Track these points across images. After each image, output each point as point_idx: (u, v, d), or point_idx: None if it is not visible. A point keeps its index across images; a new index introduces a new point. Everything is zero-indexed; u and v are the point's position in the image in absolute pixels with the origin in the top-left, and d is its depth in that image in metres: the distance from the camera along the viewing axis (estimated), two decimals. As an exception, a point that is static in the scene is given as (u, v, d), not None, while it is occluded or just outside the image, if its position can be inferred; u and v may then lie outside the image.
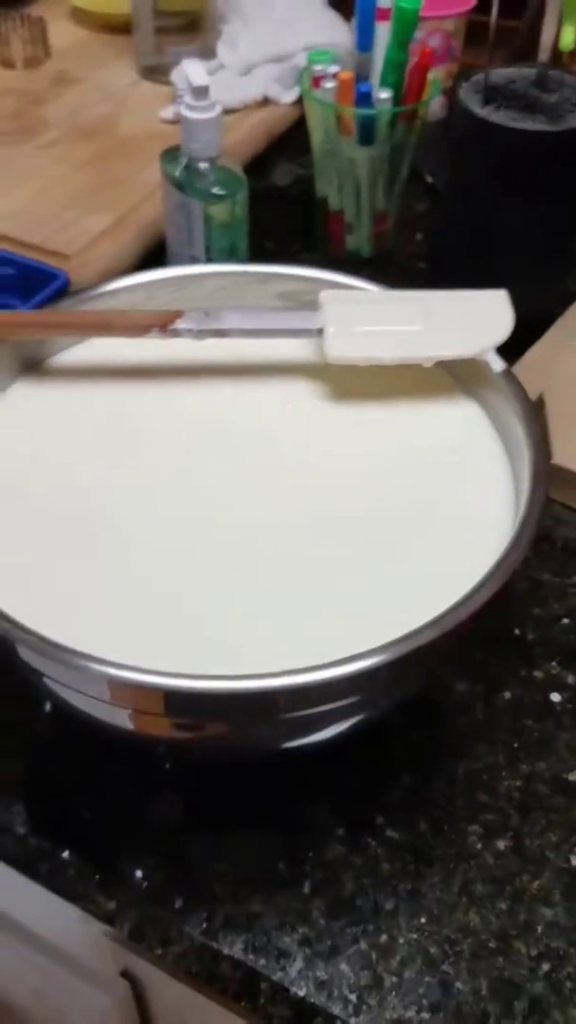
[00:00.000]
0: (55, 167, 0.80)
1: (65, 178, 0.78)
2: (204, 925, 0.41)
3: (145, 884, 0.42)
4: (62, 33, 0.97)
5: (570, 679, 0.49)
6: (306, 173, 0.79)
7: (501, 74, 0.60)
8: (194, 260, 0.65)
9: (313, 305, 0.47)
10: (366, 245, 0.73)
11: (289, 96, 0.86)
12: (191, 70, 0.60)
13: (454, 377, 0.47)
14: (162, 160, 0.64)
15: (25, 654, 0.36)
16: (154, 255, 0.73)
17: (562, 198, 0.58)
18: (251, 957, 0.40)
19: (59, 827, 0.44)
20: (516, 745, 0.47)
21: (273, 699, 0.34)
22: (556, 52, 0.57)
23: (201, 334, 0.46)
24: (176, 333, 0.46)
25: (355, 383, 0.47)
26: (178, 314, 0.46)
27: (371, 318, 0.46)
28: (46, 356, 0.48)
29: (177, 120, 0.83)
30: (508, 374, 0.45)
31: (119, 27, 0.95)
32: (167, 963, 0.42)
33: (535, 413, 0.43)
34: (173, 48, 0.88)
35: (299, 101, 0.86)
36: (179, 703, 0.35)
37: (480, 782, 0.46)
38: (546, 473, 0.41)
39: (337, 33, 0.89)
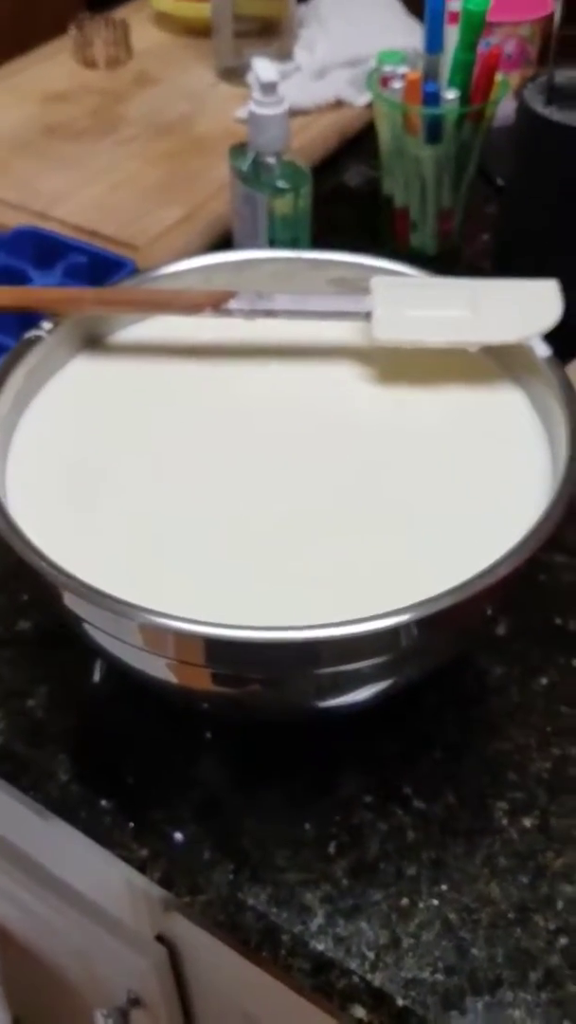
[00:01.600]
0: (131, 162, 0.83)
1: (140, 173, 0.81)
2: (231, 877, 0.43)
3: (176, 835, 0.44)
4: (145, 36, 1.00)
5: (607, 667, 0.50)
6: (376, 174, 0.81)
7: (566, 75, 0.61)
8: (258, 252, 0.67)
9: (364, 291, 0.49)
10: (430, 243, 0.74)
11: (362, 98, 0.88)
12: (260, 66, 0.62)
13: (500, 364, 0.48)
14: (231, 154, 0.66)
15: (70, 601, 0.38)
16: (220, 248, 0.75)
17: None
18: (274, 910, 0.42)
19: (100, 778, 0.46)
20: (549, 729, 0.48)
21: (311, 650, 0.36)
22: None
23: (252, 314, 0.48)
24: (228, 312, 0.48)
25: (400, 367, 0.49)
26: (231, 294, 0.48)
27: (419, 302, 0.48)
28: (106, 334, 0.51)
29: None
30: (553, 361, 0.45)
31: (201, 30, 0.98)
32: (195, 912, 0.43)
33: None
34: (251, 51, 0.91)
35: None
36: (221, 652, 0.37)
37: (511, 762, 0.46)
38: (582, 455, 0.41)
39: (413, 38, 0.91)
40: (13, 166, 0.82)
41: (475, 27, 0.63)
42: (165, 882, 0.44)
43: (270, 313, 0.47)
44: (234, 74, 0.92)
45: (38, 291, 0.47)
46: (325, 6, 0.94)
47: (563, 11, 0.68)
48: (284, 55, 0.91)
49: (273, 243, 0.66)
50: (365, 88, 0.88)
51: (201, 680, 0.40)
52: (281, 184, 0.64)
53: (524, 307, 0.47)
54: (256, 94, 0.63)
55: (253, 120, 0.63)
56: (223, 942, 0.44)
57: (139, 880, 0.54)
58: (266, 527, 0.42)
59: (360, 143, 0.88)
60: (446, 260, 0.74)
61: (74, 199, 0.77)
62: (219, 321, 0.48)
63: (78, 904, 0.66)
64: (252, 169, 0.65)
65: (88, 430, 0.47)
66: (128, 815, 0.45)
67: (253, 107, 0.63)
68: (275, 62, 0.90)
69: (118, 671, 0.44)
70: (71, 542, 0.40)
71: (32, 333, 0.47)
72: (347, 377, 0.49)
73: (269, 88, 0.62)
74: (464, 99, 0.67)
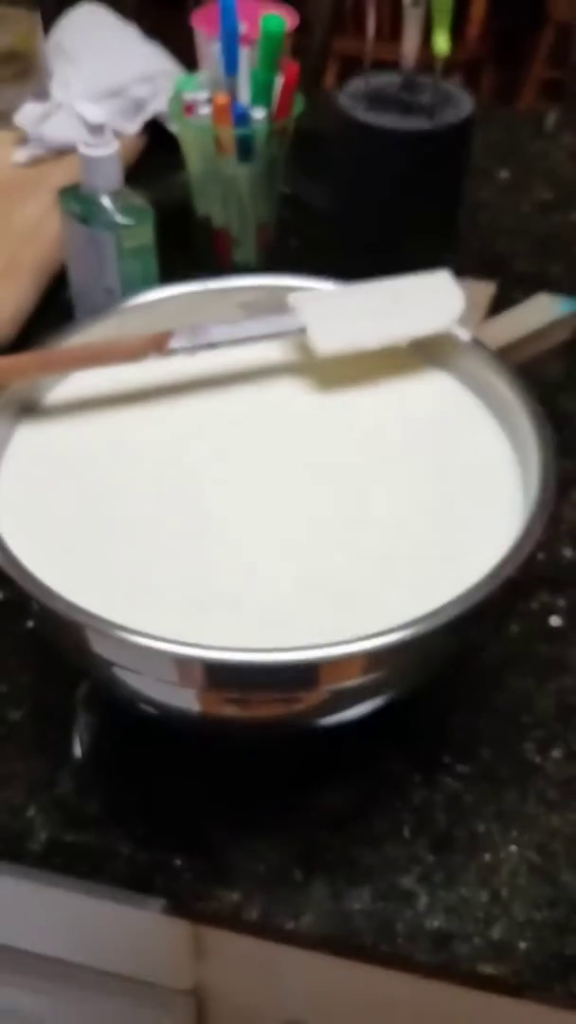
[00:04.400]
0: None
1: None
2: (330, 889, 0.44)
3: (260, 867, 0.45)
4: None
5: (561, 602, 0.55)
6: (166, 198, 0.82)
7: (371, 81, 0.66)
8: (108, 292, 0.67)
9: (281, 310, 0.51)
10: (253, 257, 0.77)
11: (132, 127, 0.89)
12: (86, 110, 0.62)
13: (419, 353, 0.52)
14: (61, 199, 0.65)
15: (99, 644, 0.38)
16: (52, 293, 0.74)
17: (450, 183, 0.65)
18: (380, 905, 0.44)
19: (162, 838, 0.45)
20: (538, 668, 0.52)
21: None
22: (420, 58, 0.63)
23: (194, 350, 0.48)
24: (172, 352, 0.48)
25: (331, 374, 0.51)
26: (169, 334, 0.48)
27: (344, 311, 0.50)
28: (39, 397, 0.49)
29: (32, 162, 0.85)
30: (476, 341, 0.50)
31: None
32: (300, 935, 0.44)
33: (518, 375, 0.48)
34: (5, 93, 0.89)
35: (144, 131, 0.89)
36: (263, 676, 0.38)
37: (521, 706, 0.51)
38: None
39: (162, 61, 0.93)
40: None
41: (275, 47, 0.67)
42: (265, 915, 0.44)
43: (211, 346, 0.48)
44: (-9, 118, 0.90)
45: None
46: (67, 41, 0.94)
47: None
48: (41, 95, 0.90)
49: (125, 280, 0.66)
50: (132, 116, 0.89)
51: (232, 708, 0.41)
52: (126, 221, 0.64)
53: (433, 299, 0.51)
54: (85, 137, 0.62)
55: (86, 162, 0.63)
56: (331, 954, 0.45)
57: (177, 932, 0.54)
58: (253, 550, 0.44)
59: (139, 170, 0.89)
60: (273, 270, 0.77)
61: None
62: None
63: (71, 981, 0.63)
64: (89, 210, 0.65)
65: (60, 493, 0.45)
66: (206, 865, 0.45)
67: (83, 149, 0.62)
68: (35, 102, 0.89)
69: (133, 710, 0.44)
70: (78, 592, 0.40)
71: (-18, 411, 0.45)
72: (290, 392, 0.51)
73: (98, 129, 0.62)
74: (268, 116, 0.70)
